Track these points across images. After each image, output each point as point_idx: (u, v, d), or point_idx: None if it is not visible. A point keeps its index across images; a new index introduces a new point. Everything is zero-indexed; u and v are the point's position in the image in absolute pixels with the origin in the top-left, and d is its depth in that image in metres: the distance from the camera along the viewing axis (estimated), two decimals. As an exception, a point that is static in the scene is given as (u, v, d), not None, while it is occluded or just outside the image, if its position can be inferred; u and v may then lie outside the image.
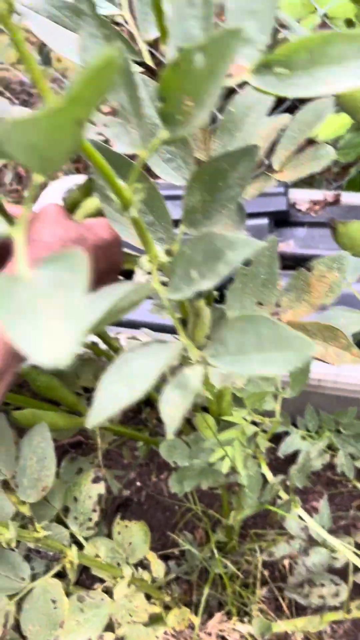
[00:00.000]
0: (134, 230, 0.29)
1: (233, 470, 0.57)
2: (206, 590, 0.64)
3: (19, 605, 0.54)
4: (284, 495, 0.56)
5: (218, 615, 0.67)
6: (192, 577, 0.72)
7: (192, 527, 0.79)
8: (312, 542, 0.61)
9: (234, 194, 0.31)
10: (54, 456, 0.57)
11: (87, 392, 0.71)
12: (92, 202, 0.55)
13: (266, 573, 0.74)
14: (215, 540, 0.73)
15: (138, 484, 0.83)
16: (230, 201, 0.31)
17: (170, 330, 0.78)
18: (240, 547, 0.72)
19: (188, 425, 0.75)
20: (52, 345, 0.15)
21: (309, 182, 1.07)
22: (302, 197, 0.89)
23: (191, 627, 0.60)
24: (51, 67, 1.02)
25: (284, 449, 0.69)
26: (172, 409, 0.25)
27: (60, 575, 0.59)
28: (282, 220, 0.86)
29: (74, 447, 0.86)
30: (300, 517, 0.55)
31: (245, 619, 0.68)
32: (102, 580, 0.62)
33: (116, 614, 0.55)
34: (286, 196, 0.85)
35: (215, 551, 0.66)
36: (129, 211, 0.26)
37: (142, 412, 0.86)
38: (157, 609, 0.55)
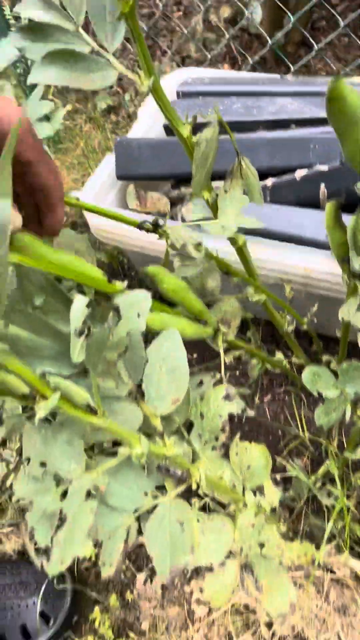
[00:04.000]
0: None
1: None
2: (329, 524, 0.58)
3: (142, 524, 0.49)
4: None
5: (327, 548, 0.63)
6: (297, 505, 0.68)
7: (297, 454, 0.73)
8: None
9: None
10: (187, 366, 0.50)
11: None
12: None
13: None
14: (324, 471, 0.68)
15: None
16: None
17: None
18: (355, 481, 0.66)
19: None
20: None
21: None
22: None
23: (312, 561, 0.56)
24: None
25: None
26: None
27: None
28: None
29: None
30: None
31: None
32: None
33: (242, 544, 0.50)
34: None
35: (338, 482, 0.61)
36: None
37: (248, 331, 0.78)
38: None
